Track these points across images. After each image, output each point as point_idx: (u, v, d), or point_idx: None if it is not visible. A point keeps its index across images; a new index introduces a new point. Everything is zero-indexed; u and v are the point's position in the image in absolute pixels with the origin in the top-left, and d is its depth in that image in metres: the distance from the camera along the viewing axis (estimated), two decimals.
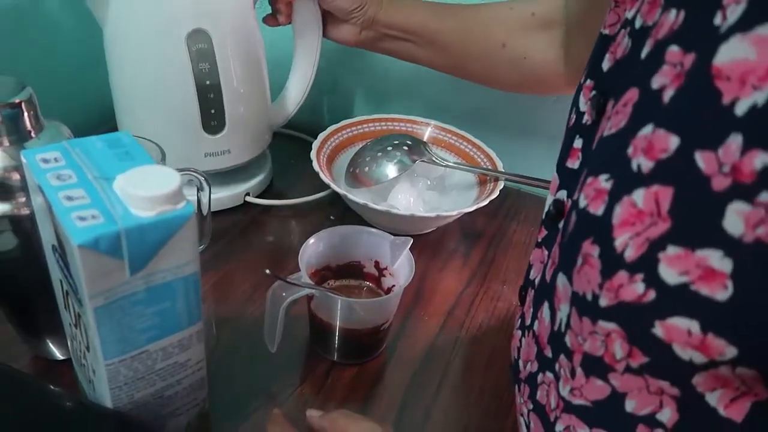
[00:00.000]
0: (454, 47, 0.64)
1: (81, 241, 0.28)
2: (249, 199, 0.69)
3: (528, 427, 0.38)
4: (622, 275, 0.25)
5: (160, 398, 0.36)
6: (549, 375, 0.34)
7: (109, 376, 0.33)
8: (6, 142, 0.37)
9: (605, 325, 0.27)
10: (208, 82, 0.60)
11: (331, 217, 0.69)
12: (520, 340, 0.41)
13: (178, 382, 0.37)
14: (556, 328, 0.33)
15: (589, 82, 0.36)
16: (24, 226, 0.38)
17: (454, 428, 0.48)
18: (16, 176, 0.37)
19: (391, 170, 0.67)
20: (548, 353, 0.35)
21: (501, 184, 0.65)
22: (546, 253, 0.39)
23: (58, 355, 0.47)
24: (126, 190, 0.30)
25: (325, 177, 0.63)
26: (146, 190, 0.30)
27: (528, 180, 0.67)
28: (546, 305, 0.35)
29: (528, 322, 0.39)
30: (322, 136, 0.70)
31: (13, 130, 0.37)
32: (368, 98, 0.87)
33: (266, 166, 0.73)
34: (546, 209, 0.40)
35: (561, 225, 0.35)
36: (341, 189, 0.62)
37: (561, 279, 0.31)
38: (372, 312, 0.49)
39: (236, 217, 0.68)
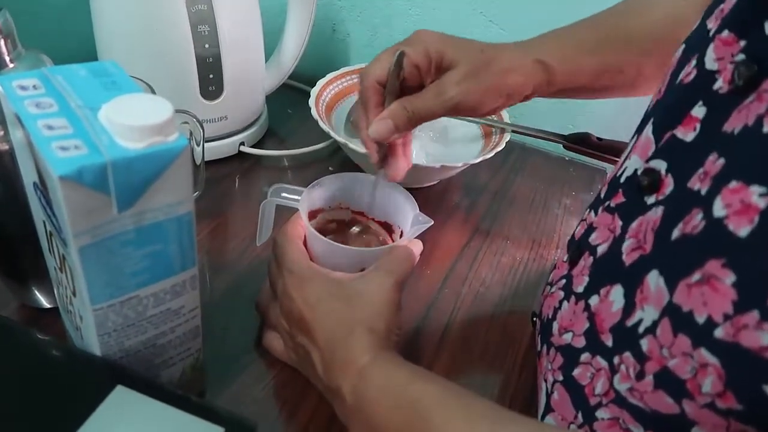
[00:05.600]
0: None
1: (63, 173, 0.25)
2: (244, 148, 0.66)
3: (549, 395, 0.36)
4: (752, 316, 0.22)
5: (152, 347, 0.34)
6: (601, 361, 0.32)
7: (97, 323, 0.31)
8: None
9: (706, 356, 0.24)
10: (207, 46, 0.57)
11: (330, 168, 0.67)
12: (561, 302, 0.38)
13: (171, 330, 0.35)
14: (629, 323, 0.30)
15: (728, 34, 0.29)
16: (3, 163, 0.35)
17: (456, 382, 0.46)
18: None
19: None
20: (607, 341, 0.32)
21: (507, 136, 0.62)
22: (619, 223, 0.34)
23: (45, 303, 0.45)
24: (112, 120, 0.27)
25: (324, 125, 0.60)
26: (135, 120, 0.27)
27: (536, 132, 0.65)
28: (618, 291, 0.31)
29: (578, 289, 0.36)
30: (320, 83, 0.67)
31: None
32: (368, 45, 0.83)
33: (262, 115, 0.70)
34: (623, 171, 0.35)
35: (651, 201, 0.31)
36: (343, 138, 0.59)
37: (656, 279, 0.28)
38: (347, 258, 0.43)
39: (230, 168, 0.65)
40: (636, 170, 0.34)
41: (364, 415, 0.34)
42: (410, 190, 0.46)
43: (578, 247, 0.39)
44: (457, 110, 0.44)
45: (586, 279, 0.35)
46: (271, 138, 0.71)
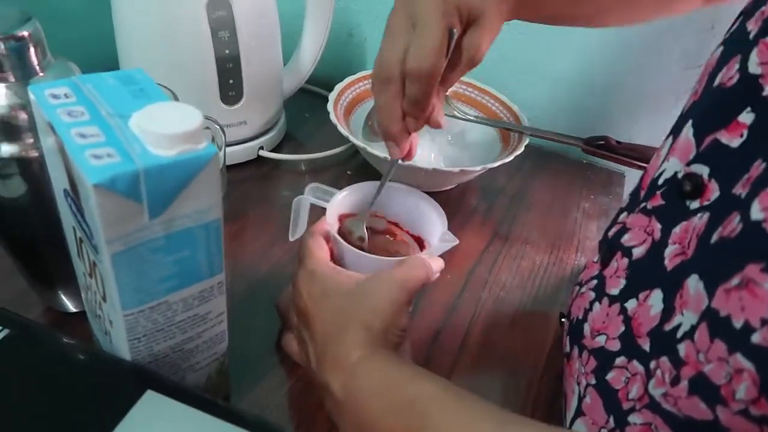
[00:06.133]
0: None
1: (97, 181, 0.25)
2: (263, 153, 0.66)
3: (580, 398, 0.36)
4: None
5: (180, 351, 0.35)
6: (637, 366, 0.32)
7: (127, 327, 0.31)
8: (11, 78, 0.34)
9: (742, 362, 0.24)
10: (227, 51, 0.57)
11: (348, 172, 0.67)
12: (592, 303, 0.38)
13: (198, 335, 0.35)
14: (667, 328, 0.29)
15: None
16: (33, 170, 0.36)
17: (478, 387, 0.46)
18: (23, 115, 0.34)
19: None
20: (644, 345, 0.31)
21: (526, 140, 0.62)
22: (658, 226, 0.34)
23: (71, 307, 0.46)
24: (144, 128, 0.28)
25: (343, 129, 0.60)
26: (166, 128, 0.27)
27: (554, 136, 0.64)
28: (658, 296, 0.31)
29: (612, 291, 0.36)
30: (338, 87, 0.67)
31: (18, 65, 0.34)
32: None
33: (280, 119, 0.70)
34: (661, 173, 0.34)
35: (695, 206, 0.30)
36: (362, 142, 0.59)
37: (695, 283, 0.27)
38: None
39: (249, 172, 0.66)
40: (676, 173, 0.33)
41: (354, 413, 0.33)
42: (427, 194, 0.46)
43: (610, 247, 0.39)
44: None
45: (623, 282, 0.35)
46: (289, 142, 0.71)
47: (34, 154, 0.35)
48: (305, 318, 0.38)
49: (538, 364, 0.48)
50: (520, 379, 0.47)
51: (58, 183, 0.32)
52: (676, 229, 0.32)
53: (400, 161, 0.46)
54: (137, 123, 0.28)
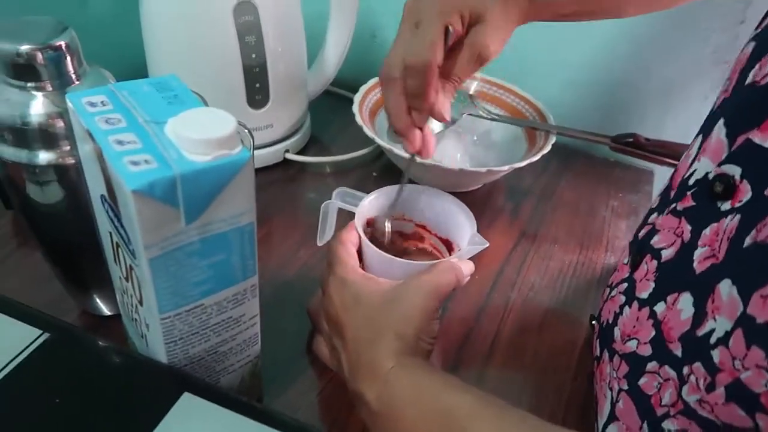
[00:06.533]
0: None
1: (136, 187, 0.26)
2: (289, 156, 0.67)
3: (613, 403, 0.35)
4: None
5: (215, 354, 0.35)
6: (669, 371, 0.31)
7: (164, 331, 0.31)
8: (49, 87, 0.35)
9: None
10: (254, 56, 0.58)
11: (374, 174, 0.67)
12: (622, 307, 0.37)
13: (232, 338, 0.35)
14: (699, 333, 0.29)
15: None
16: (69, 176, 0.37)
17: (509, 389, 0.46)
18: (60, 123, 0.35)
19: (435, 124, 0.63)
20: (676, 350, 0.31)
21: (553, 138, 0.62)
22: (688, 227, 0.33)
23: (106, 310, 0.46)
24: (179, 134, 0.28)
25: (369, 131, 0.60)
26: (201, 134, 0.27)
27: (581, 134, 0.64)
28: (687, 299, 0.30)
29: (642, 295, 0.35)
30: (363, 89, 0.67)
31: (55, 74, 0.35)
32: None
33: (305, 122, 0.70)
34: (692, 173, 0.34)
35: (726, 207, 0.30)
36: (387, 143, 0.59)
37: (728, 288, 0.27)
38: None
39: (275, 175, 0.66)
40: (707, 174, 0.33)
41: (388, 422, 0.33)
42: (453, 194, 0.46)
43: (640, 249, 0.38)
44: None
45: (652, 285, 0.35)
46: (314, 145, 0.71)
47: (70, 161, 0.36)
48: (337, 325, 0.38)
49: (569, 366, 0.48)
50: (551, 381, 0.47)
51: (95, 189, 0.33)
52: (706, 231, 0.31)
53: (418, 159, 0.47)
54: (173, 129, 0.28)
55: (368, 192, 0.45)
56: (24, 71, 0.34)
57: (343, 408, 0.42)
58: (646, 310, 0.34)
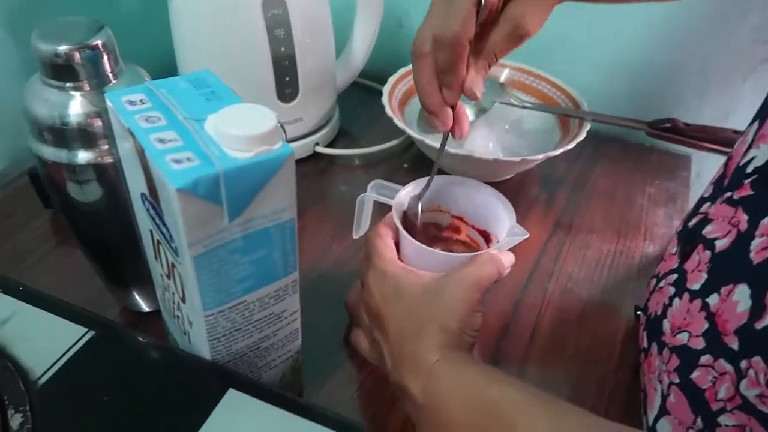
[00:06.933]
0: None
1: (180, 185, 0.26)
2: (319, 149, 0.67)
3: (664, 397, 0.34)
4: None
5: (257, 350, 0.35)
6: (725, 365, 0.30)
7: (208, 328, 0.31)
8: (86, 86, 0.35)
9: None
10: (283, 49, 0.57)
11: (405, 165, 0.66)
12: (671, 299, 0.36)
13: (274, 333, 0.35)
14: (758, 326, 0.28)
15: None
16: (108, 175, 0.37)
17: (549, 382, 0.45)
18: (98, 122, 0.35)
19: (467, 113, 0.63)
20: (732, 344, 0.30)
21: (587, 125, 0.60)
22: (744, 217, 0.32)
23: (145, 307, 0.47)
24: (220, 131, 0.28)
25: (399, 122, 0.60)
26: (242, 130, 0.27)
27: (617, 120, 0.62)
28: (744, 291, 0.30)
29: (693, 286, 0.34)
30: (392, 79, 0.66)
31: (93, 74, 0.35)
32: None
33: (334, 115, 0.70)
34: (749, 161, 0.33)
35: None
36: (417, 134, 0.59)
37: None
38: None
39: (306, 169, 0.66)
40: (767, 162, 0.32)
41: (434, 415, 0.33)
42: (486, 183, 0.45)
43: (691, 239, 0.37)
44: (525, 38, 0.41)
45: (704, 276, 0.34)
46: (343, 137, 0.71)
47: (109, 159, 0.36)
48: (378, 318, 0.38)
49: (611, 357, 0.47)
50: (593, 373, 0.46)
51: (136, 187, 0.33)
52: (765, 221, 0.30)
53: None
54: (213, 126, 0.28)
55: (401, 184, 0.45)
56: (62, 71, 0.34)
57: (384, 402, 0.42)
58: (697, 302, 0.33)
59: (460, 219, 0.47)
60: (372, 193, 0.44)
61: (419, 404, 0.33)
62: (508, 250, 0.41)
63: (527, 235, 0.40)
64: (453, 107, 0.43)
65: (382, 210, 0.44)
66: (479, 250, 0.44)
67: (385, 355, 0.37)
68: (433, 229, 0.47)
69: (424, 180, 0.45)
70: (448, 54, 0.40)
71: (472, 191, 0.45)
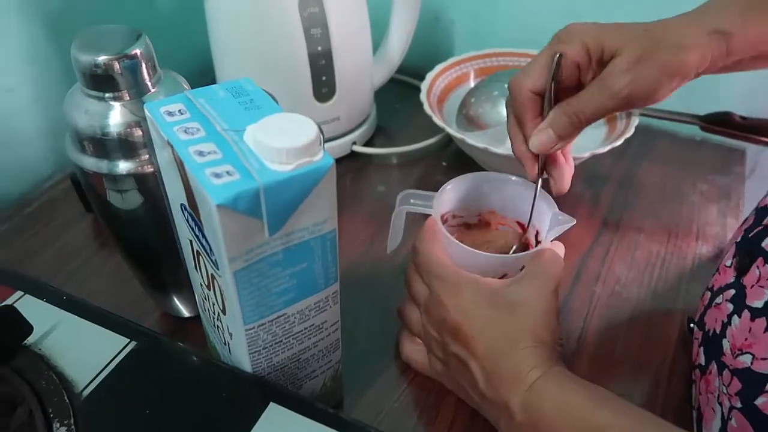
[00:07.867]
0: None
1: (221, 201, 0.25)
2: (356, 148, 0.66)
3: (725, 420, 0.32)
4: None
5: (297, 361, 0.35)
6: None
7: (248, 341, 0.31)
8: (126, 96, 0.34)
9: None
10: (319, 48, 0.57)
11: (444, 163, 0.65)
12: (730, 317, 0.35)
13: (315, 345, 0.35)
14: None
15: None
16: (148, 184, 0.37)
17: None
18: (138, 132, 0.35)
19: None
20: None
21: (636, 120, 0.58)
22: None
23: (185, 312, 0.47)
24: (260, 143, 0.27)
25: (437, 120, 0.58)
26: (283, 142, 0.26)
27: (667, 115, 0.60)
28: None
29: (755, 303, 0.32)
30: (430, 76, 0.65)
31: (132, 83, 0.34)
32: (473, 32, 0.80)
33: (371, 113, 0.69)
34: None
35: None
36: (456, 132, 0.57)
37: None
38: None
39: (343, 168, 0.65)
40: None
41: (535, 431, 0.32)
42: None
43: (749, 252, 0.35)
44: (629, 102, 0.38)
45: (766, 292, 0.31)
46: (380, 135, 0.70)
47: (149, 169, 0.36)
48: (459, 334, 0.36)
49: (663, 366, 0.45)
50: (644, 382, 0.44)
51: (175, 197, 0.32)
52: None
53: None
54: (252, 137, 0.28)
55: (436, 186, 0.43)
56: (102, 82, 0.34)
57: (425, 411, 0.41)
58: (761, 321, 0.31)
59: (492, 213, 0.45)
60: (404, 206, 0.42)
61: (518, 422, 0.32)
62: (554, 240, 0.40)
63: (574, 222, 0.39)
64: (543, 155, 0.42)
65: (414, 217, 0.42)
66: (515, 243, 0.43)
67: (474, 372, 0.35)
68: (462, 230, 0.46)
69: (459, 179, 0.43)
70: (513, 103, 0.41)
71: (501, 185, 0.44)
